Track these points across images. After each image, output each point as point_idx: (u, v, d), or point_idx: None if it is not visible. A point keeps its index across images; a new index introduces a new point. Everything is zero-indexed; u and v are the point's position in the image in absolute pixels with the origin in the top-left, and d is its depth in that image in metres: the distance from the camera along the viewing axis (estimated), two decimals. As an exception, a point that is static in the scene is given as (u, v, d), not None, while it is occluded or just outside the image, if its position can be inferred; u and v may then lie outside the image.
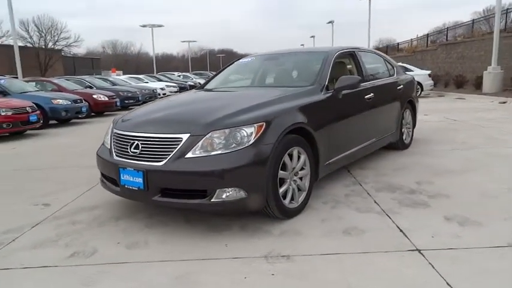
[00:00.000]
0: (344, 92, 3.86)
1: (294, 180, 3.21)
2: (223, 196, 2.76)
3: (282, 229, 2.97)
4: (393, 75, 5.32)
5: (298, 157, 3.22)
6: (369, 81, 4.52)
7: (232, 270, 2.39)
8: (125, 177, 3.01)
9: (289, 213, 3.14)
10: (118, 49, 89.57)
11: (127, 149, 3.06)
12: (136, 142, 3.01)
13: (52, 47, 50.70)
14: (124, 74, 40.98)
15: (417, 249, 2.54)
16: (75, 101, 10.97)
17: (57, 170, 5.34)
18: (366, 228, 2.92)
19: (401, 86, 5.26)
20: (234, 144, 2.81)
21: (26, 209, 3.68)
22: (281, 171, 3.02)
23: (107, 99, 13.10)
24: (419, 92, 15.27)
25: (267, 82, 4.50)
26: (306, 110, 3.35)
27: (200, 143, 2.80)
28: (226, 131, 2.84)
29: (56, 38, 50.83)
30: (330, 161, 3.70)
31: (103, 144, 3.52)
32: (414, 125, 5.88)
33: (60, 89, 12.77)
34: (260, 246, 2.69)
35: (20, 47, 47.78)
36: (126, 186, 3.02)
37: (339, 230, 2.92)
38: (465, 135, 6.49)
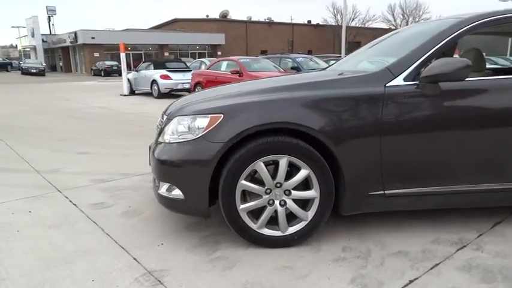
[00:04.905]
0: (446, 85, 2.26)
1: (283, 201, 2.33)
2: (170, 191, 2.44)
3: (223, 254, 2.32)
4: None
5: (298, 169, 2.29)
6: None
7: (109, 266, 2.20)
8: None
9: (261, 241, 2.36)
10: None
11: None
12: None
13: (411, 28, 52.32)
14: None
15: None
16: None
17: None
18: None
19: None
20: (189, 135, 2.38)
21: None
22: (245, 182, 2.28)
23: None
24: None
25: (350, 65, 3.20)
26: (325, 106, 2.27)
27: (169, 128, 2.54)
28: (186, 118, 2.43)
29: (417, 19, 51.77)
30: (388, 192, 2.35)
31: None
32: None
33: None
34: (173, 259, 2.27)
35: (383, 29, 52.29)
36: (154, 159, 3.20)
37: (266, 286, 1.96)
38: None
